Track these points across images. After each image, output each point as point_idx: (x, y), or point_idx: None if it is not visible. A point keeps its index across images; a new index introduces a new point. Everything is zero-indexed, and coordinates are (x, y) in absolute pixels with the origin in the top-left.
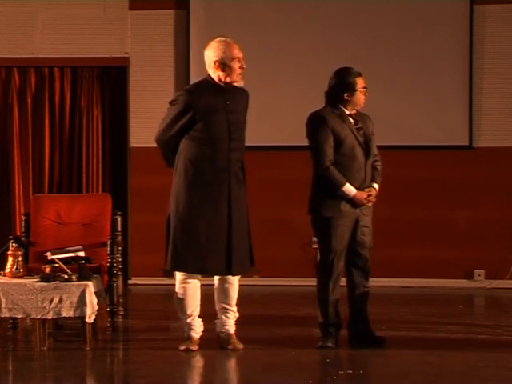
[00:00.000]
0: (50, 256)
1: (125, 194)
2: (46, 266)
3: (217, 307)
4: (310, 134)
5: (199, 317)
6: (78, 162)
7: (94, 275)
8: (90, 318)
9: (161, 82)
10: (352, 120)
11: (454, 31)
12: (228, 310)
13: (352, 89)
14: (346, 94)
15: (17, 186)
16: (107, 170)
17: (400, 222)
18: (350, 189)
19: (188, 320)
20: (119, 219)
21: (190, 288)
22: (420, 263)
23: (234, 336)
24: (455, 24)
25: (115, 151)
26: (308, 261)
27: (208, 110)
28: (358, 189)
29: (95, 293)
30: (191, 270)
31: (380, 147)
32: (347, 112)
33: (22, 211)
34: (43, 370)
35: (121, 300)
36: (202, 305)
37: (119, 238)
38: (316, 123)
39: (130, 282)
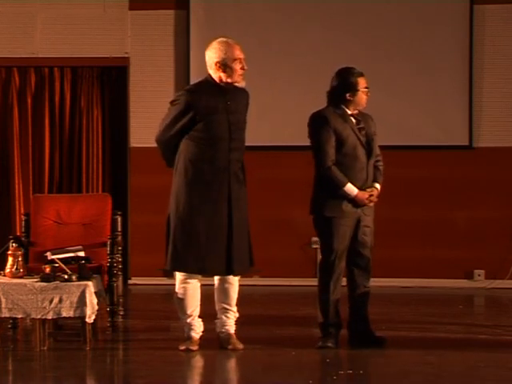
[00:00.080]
0: (49, 256)
1: (125, 194)
2: (46, 266)
3: (217, 307)
4: (312, 133)
5: (199, 317)
6: (78, 162)
7: (94, 275)
8: (90, 318)
9: (161, 82)
10: (354, 120)
11: (454, 31)
12: (228, 310)
13: (354, 89)
14: (348, 94)
15: (17, 186)
16: (107, 170)
17: (400, 222)
18: (351, 189)
19: (188, 320)
20: (119, 219)
21: (189, 288)
22: (420, 263)
23: (234, 336)
24: (455, 24)
25: (115, 151)
26: (308, 261)
27: (208, 110)
28: (360, 189)
29: (95, 293)
30: (191, 270)
31: (380, 147)
32: (349, 112)
33: (22, 211)
34: (43, 370)
35: (121, 300)
36: (202, 305)
37: (119, 238)
38: (318, 123)
39: (130, 281)
